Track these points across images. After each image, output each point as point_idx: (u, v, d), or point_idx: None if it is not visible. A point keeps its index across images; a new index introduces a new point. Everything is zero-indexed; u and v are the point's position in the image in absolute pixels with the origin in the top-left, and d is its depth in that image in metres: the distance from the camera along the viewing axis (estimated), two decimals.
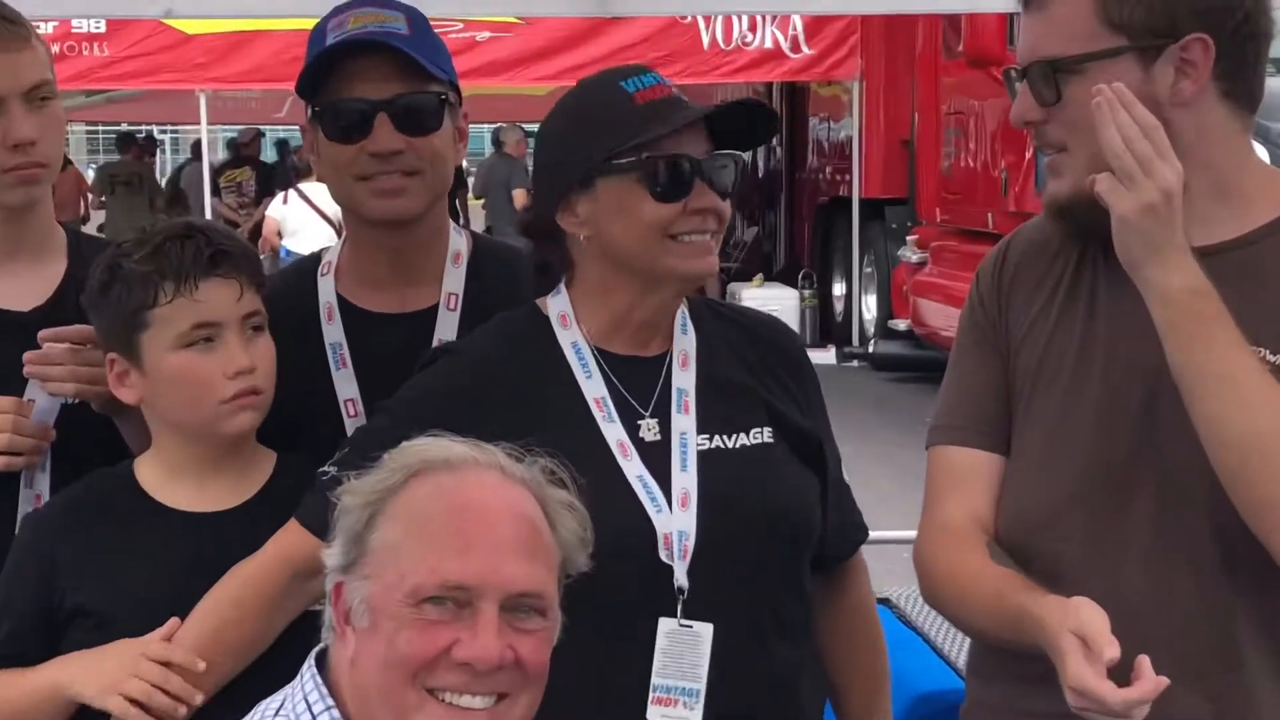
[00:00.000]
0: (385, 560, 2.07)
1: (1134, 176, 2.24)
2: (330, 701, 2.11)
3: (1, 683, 2.68)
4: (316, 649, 2.19)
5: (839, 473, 2.87)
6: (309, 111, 2.98)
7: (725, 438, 2.68)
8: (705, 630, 2.58)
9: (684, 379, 2.70)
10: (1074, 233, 2.47)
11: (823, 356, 17.75)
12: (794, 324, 18.30)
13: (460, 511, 2.10)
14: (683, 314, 2.76)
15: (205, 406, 2.71)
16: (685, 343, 2.73)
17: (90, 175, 27.89)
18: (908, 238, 16.62)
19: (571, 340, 2.69)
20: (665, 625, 2.57)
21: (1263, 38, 2.40)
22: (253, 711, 2.18)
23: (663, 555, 2.58)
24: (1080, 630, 2.19)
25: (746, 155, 20.81)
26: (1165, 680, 2.18)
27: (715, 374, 2.72)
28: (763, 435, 2.71)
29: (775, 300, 18.78)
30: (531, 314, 2.75)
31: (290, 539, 2.61)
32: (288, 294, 3.05)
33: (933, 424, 2.61)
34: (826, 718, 2.91)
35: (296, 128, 2.94)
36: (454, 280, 3.00)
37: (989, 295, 2.60)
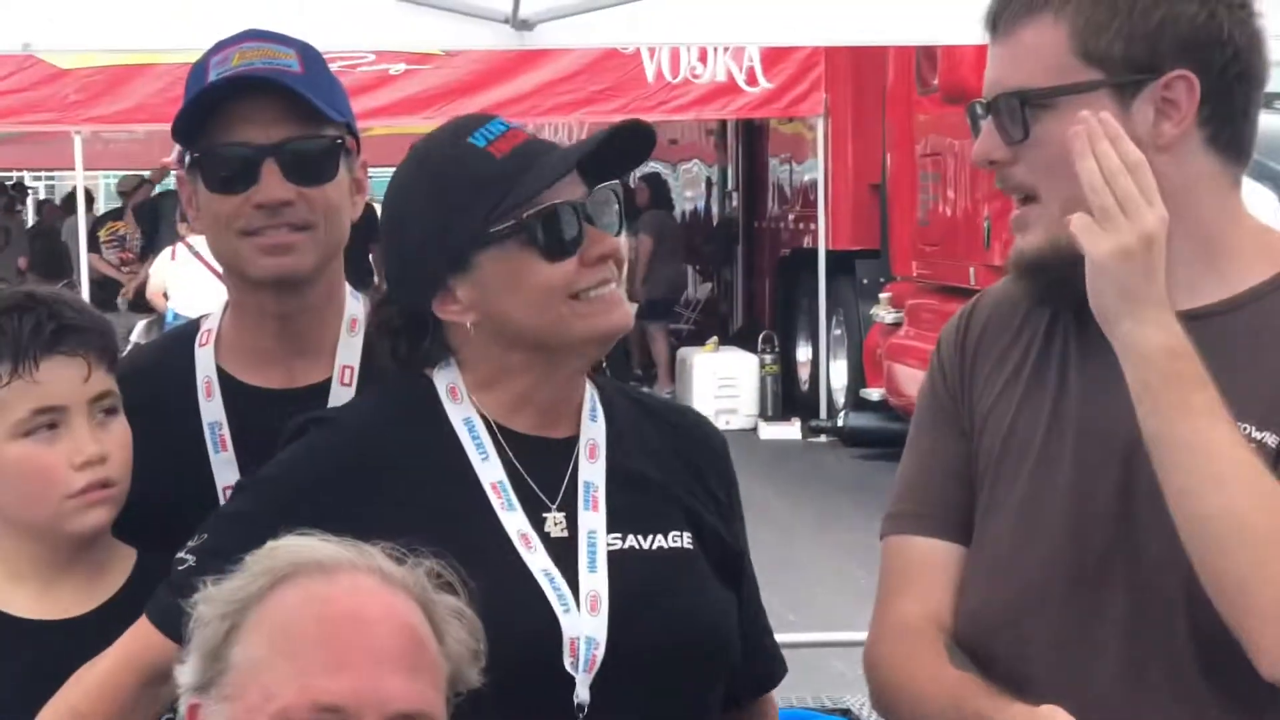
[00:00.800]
0: (247, 679, 2.04)
1: (1112, 216, 2.24)
2: None
3: None
4: None
5: (757, 597, 2.85)
6: (186, 159, 2.97)
7: (640, 538, 2.65)
8: None
9: (592, 471, 2.67)
10: (1044, 294, 2.48)
11: (786, 431, 17.85)
12: (754, 394, 18.48)
13: (333, 622, 2.07)
14: (591, 398, 2.73)
15: (49, 503, 2.70)
16: (594, 430, 2.70)
17: None
18: (881, 295, 16.68)
19: (464, 416, 2.65)
20: None
21: (1254, 81, 2.41)
22: None
23: (567, 664, 2.54)
24: None
25: (695, 196, 20.88)
26: None
27: (628, 467, 2.69)
28: (681, 539, 2.68)
29: (732, 367, 18.91)
30: (416, 384, 2.70)
31: (139, 640, 2.57)
32: (161, 366, 3.05)
33: (889, 510, 2.62)
34: None
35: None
36: (349, 351, 2.99)
37: (951, 365, 2.61)
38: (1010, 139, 2.41)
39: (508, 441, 2.65)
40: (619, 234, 2.65)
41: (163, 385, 2.97)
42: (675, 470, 2.74)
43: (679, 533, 2.67)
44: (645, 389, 12.42)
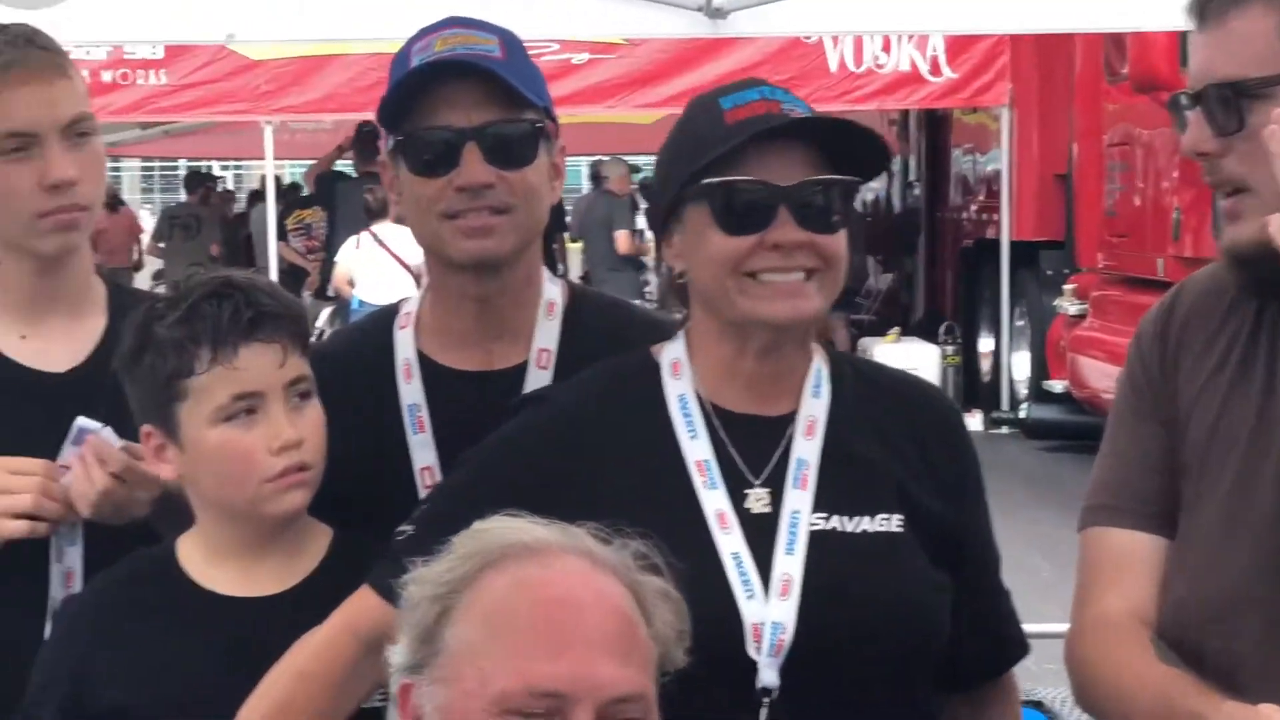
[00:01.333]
0: (462, 662, 2.06)
1: None
2: None
3: None
4: None
5: (995, 575, 2.82)
6: (390, 143, 3.00)
7: (845, 519, 2.63)
8: None
9: (806, 449, 2.65)
10: (1256, 286, 2.43)
11: (968, 422, 17.60)
12: (936, 378, 18.29)
13: (547, 607, 2.09)
14: (818, 373, 2.72)
15: (248, 486, 2.73)
16: (815, 407, 2.69)
17: (144, 217, 28.39)
18: (1065, 286, 16.48)
19: (680, 392, 2.67)
20: None
21: None
22: None
23: (750, 649, 2.53)
24: None
25: (877, 186, 20.73)
26: None
27: (844, 445, 2.67)
28: (890, 522, 2.65)
29: (913, 357, 18.64)
30: (641, 361, 2.75)
31: (360, 607, 2.62)
32: (360, 349, 3.09)
33: (1087, 503, 2.58)
34: None
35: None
36: (547, 334, 3.01)
37: (1152, 356, 2.57)
38: (1221, 130, 2.36)
39: (719, 419, 2.65)
40: (830, 232, 2.61)
41: (361, 368, 3.02)
42: (898, 447, 2.71)
43: (888, 515, 2.65)
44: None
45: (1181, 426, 2.49)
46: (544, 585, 2.10)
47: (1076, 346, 15.19)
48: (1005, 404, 17.84)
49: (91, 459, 2.89)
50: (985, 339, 18.86)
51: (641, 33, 5.42)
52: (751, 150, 2.58)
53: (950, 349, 18.81)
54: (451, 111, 2.90)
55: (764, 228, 2.57)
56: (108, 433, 2.92)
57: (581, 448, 2.65)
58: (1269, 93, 2.32)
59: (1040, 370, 16.90)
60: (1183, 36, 11.63)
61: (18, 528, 2.91)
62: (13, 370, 3.08)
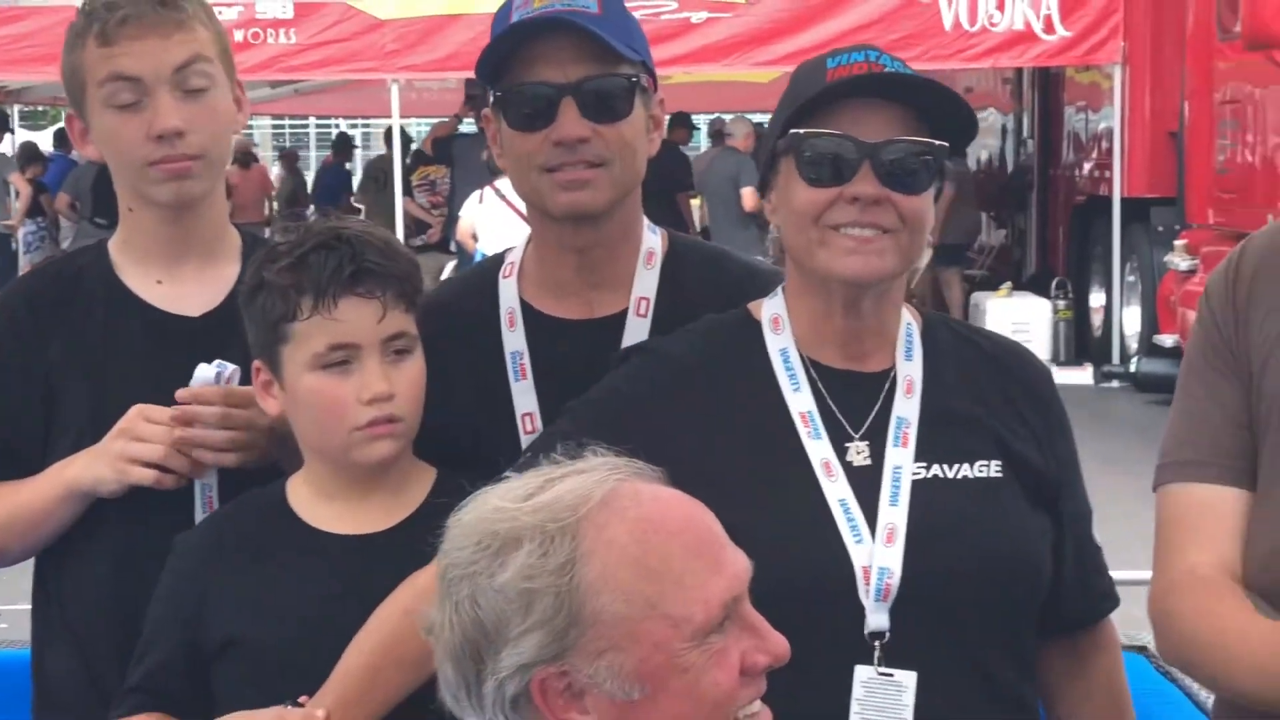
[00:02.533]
0: (634, 622, 2.04)
1: None
2: None
3: None
4: None
5: (1086, 527, 2.80)
6: (491, 98, 3.00)
7: (945, 466, 2.64)
8: (909, 679, 2.54)
9: (906, 407, 2.66)
10: None
11: (1079, 376, 17.57)
12: (1046, 339, 18.22)
13: (682, 531, 2.10)
14: (909, 332, 2.72)
15: (338, 433, 2.76)
16: (910, 368, 2.69)
17: (275, 172, 28.70)
18: (1176, 242, 16.31)
19: (781, 347, 2.68)
20: (862, 673, 2.54)
21: None
22: None
23: (860, 593, 2.54)
24: None
25: (992, 144, 20.54)
26: None
27: (943, 403, 2.68)
28: (989, 469, 2.66)
29: (1025, 312, 18.65)
30: (742, 318, 2.76)
31: None
32: (467, 298, 3.11)
33: (1163, 460, 2.55)
34: None
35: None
36: (645, 283, 3.01)
37: (1223, 311, 2.53)
38: None
39: (818, 374, 2.66)
40: (914, 193, 2.59)
41: (467, 316, 3.03)
42: (990, 402, 2.71)
43: (986, 461, 2.65)
44: None
45: (1256, 381, 2.45)
46: (660, 517, 2.10)
47: (1187, 301, 15.02)
48: (1116, 358, 17.72)
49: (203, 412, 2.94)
50: (1096, 294, 18.74)
51: None
52: (846, 108, 2.59)
53: (1062, 304, 18.66)
54: (548, 67, 2.90)
55: (845, 181, 2.57)
56: (235, 375, 2.97)
57: (691, 398, 2.67)
58: None
59: (1151, 325, 16.78)
60: None
61: (143, 475, 2.94)
62: (150, 314, 3.11)
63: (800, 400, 2.65)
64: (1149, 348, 16.57)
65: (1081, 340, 18.64)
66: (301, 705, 2.62)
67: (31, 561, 3.18)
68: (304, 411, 2.80)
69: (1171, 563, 2.50)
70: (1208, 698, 3.93)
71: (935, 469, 2.64)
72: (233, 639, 2.74)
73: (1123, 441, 12.99)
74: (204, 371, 2.96)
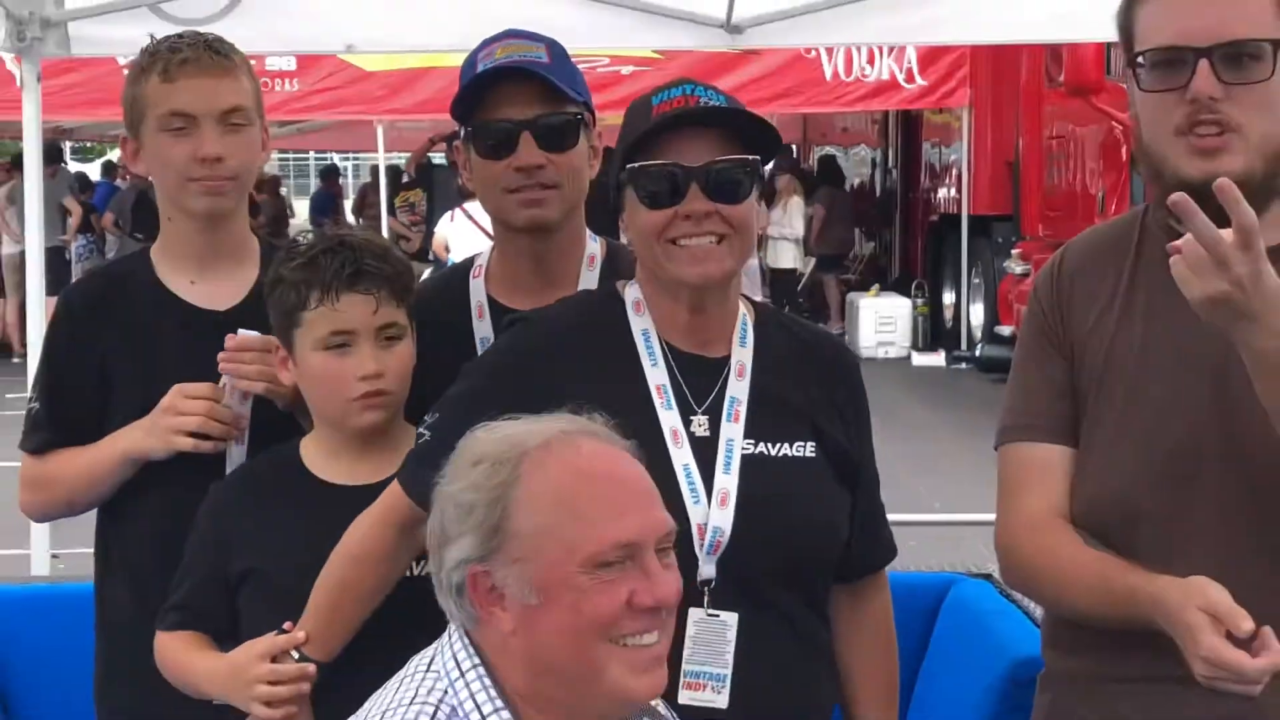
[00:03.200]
0: (541, 540, 2.04)
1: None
2: (481, 667, 2.08)
3: None
4: (450, 636, 2.13)
5: (875, 492, 2.76)
6: (462, 132, 2.98)
7: (770, 445, 2.58)
8: (731, 619, 2.50)
9: (738, 388, 2.60)
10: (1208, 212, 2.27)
11: (934, 359, 17.65)
12: (908, 330, 18.32)
13: (603, 480, 2.08)
14: (744, 324, 2.66)
15: (337, 402, 2.76)
16: (743, 354, 2.63)
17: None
18: (1013, 251, 16.40)
19: (643, 328, 2.61)
20: (694, 615, 2.49)
21: None
22: (401, 672, 2.15)
23: (695, 547, 2.49)
24: (1210, 608, 2.13)
25: (864, 176, 20.49)
26: None
27: (769, 387, 2.61)
28: (805, 449, 2.61)
29: (890, 308, 18.73)
30: (610, 295, 2.69)
31: (394, 500, 2.60)
32: (444, 294, 3.08)
33: (1002, 424, 2.53)
34: None
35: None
36: (588, 281, 2.99)
37: (1049, 303, 2.52)
38: (1229, 80, 2.26)
39: (672, 355, 2.60)
40: (737, 203, 2.52)
41: (445, 307, 3.00)
42: (808, 389, 2.65)
43: (804, 443, 2.60)
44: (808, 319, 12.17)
45: (1077, 359, 2.45)
46: (589, 465, 2.09)
47: (1021, 299, 15.07)
48: (964, 345, 17.76)
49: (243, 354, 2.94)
50: (948, 294, 18.81)
51: (673, 45, 5.37)
52: (672, 137, 2.52)
53: (920, 302, 18.75)
54: (510, 107, 2.88)
55: (678, 201, 2.51)
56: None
57: (563, 358, 2.59)
58: (1260, 52, 2.26)
59: (992, 318, 16.84)
60: (1108, 47, 11.46)
61: (185, 443, 2.93)
62: (184, 308, 3.08)
63: (657, 375, 2.58)
64: (990, 336, 16.60)
65: (936, 330, 18.69)
66: (286, 631, 2.64)
67: (84, 516, 3.17)
68: (310, 383, 2.80)
69: (1012, 507, 2.50)
70: (1037, 609, 3.95)
71: (762, 446, 2.57)
72: (252, 569, 2.75)
73: (969, 411, 13.05)
74: (247, 332, 2.94)
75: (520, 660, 2.06)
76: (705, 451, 2.54)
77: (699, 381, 2.59)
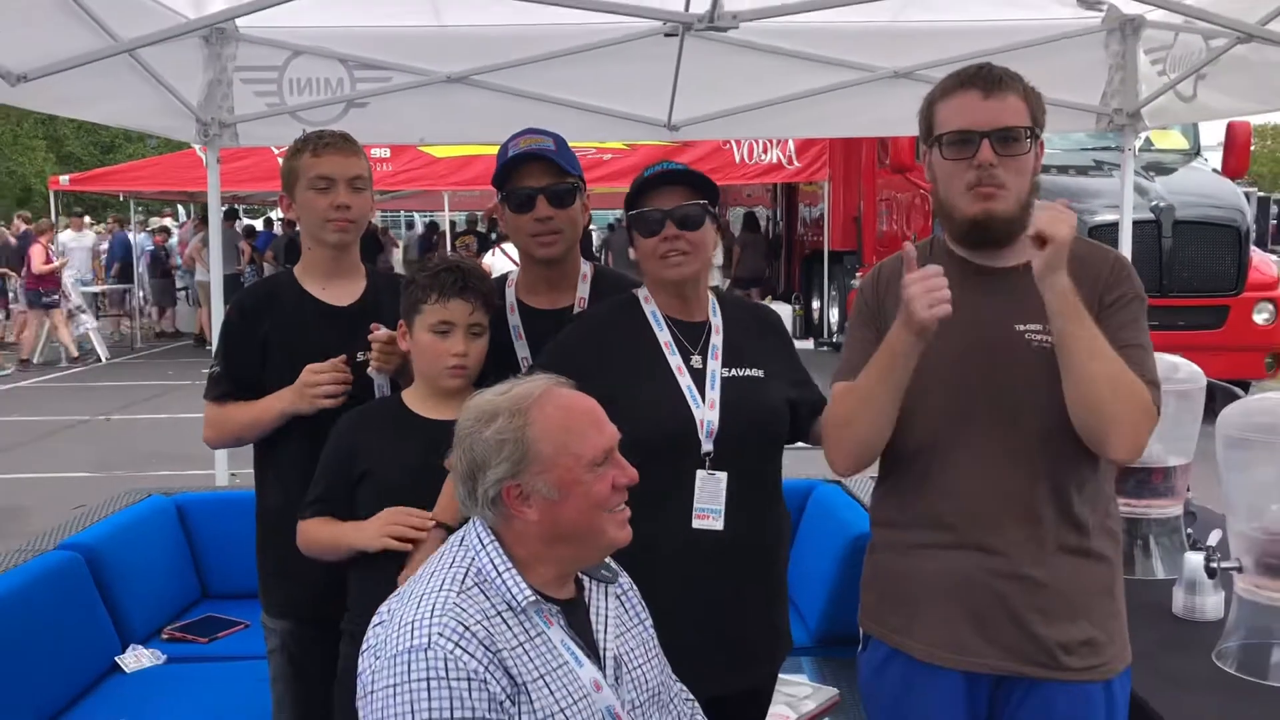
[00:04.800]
0: (556, 456, 1.99)
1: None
2: (496, 543, 2.04)
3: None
4: (475, 526, 2.06)
5: (814, 388, 2.78)
6: (499, 196, 2.96)
7: (737, 369, 2.63)
8: (723, 476, 2.55)
9: (716, 340, 2.66)
10: (980, 239, 2.32)
11: (805, 345, 17.61)
12: (789, 324, 18.19)
13: (583, 413, 2.06)
14: (713, 302, 2.72)
15: (435, 368, 2.72)
16: (715, 320, 2.70)
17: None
18: (856, 274, 16.40)
19: (652, 310, 2.68)
20: (700, 475, 2.54)
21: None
22: (443, 547, 2.10)
23: (699, 433, 2.54)
24: (912, 279, 2.15)
25: (764, 224, 20.14)
26: (937, 267, 2.13)
27: (733, 336, 2.68)
28: (758, 372, 2.66)
29: (779, 310, 18.63)
30: (631, 298, 2.74)
31: None
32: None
33: (836, 375, 2.48)
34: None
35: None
36: (582, 290, 2.99)
37: (870, 299, 2.50)
38: (1001, 153, 2.25)
39: (672, 323, 2.65)
40: (698, 230, 2.59)
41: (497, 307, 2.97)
42: (755, 336, 2.70)
43: (758, 369, 2.65)
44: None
45: (885, 331, 2.39)
46: (570, 403, 2.06)
47: None
48: (825, 335, 17.76)
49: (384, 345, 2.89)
50: (816, 301, 18.79)
51: (633, 138, 5.40)
52: (656, 191, 2.59)
53: (798, 307, 18.71)
54: (530, 178, 2.87)
55: (659, 232, 2.58)
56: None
57: (605, 337, 2.64)
58: (1022, 135, 2.25)
59: (843, 317, 16.81)
60: (917, 141, 11.50)
61: (326, 403, 2.90)
62: (318, 304, 3.05)
63: (663, 335, 2.63)
64: (843, 329, 16.65)
65: (808, 325, 18.64)
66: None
67: (245, 447, 3.14)
68: (419, 353, 2.75)
69: (827, 412, 2.45)
70: (869, 498, 3.99)
71: (733, 370, 2.62)
72: (367, 472, 2.69)
73: (827, 375, 13.03)
74: (382, 331, 2.91)
75: (534, 538, 2.02)
76: (699, 377, 2.59)
77: (691, 335, 2.65)
